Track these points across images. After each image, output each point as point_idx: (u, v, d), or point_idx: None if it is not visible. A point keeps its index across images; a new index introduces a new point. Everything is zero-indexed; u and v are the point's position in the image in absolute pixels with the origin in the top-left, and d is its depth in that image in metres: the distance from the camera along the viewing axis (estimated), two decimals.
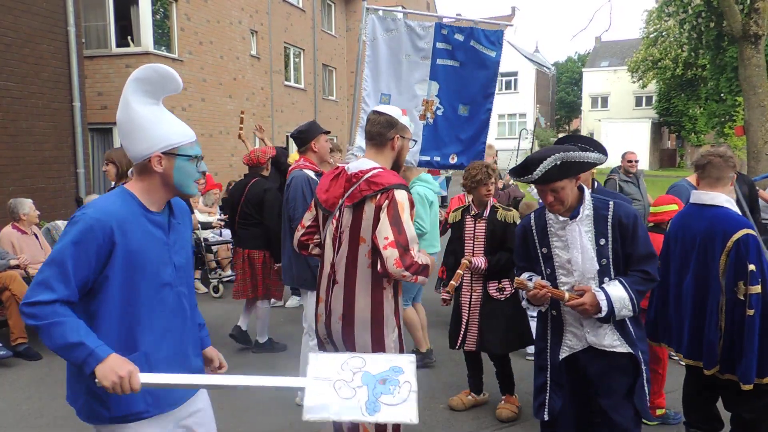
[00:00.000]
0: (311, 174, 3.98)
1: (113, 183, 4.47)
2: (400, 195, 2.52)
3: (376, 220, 2.50)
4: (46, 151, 8.59)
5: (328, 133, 4.22)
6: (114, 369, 1.73)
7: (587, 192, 2.65)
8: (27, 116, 8.26)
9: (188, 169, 1.98)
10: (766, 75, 10.70)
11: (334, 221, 2.65)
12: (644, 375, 2.65)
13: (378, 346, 2.58)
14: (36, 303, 1.74)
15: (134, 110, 1.92)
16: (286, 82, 19.31)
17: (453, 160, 4.75)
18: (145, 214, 1.93)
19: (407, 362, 1.96)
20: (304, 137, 4.10)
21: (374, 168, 2.63)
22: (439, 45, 4.61)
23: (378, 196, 2.52)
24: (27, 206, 5.90)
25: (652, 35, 32.31)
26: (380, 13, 4.66)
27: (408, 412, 1.84)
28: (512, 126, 41.04)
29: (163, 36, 12.63)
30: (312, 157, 4.11)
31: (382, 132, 2.69)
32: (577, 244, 2.59)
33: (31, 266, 5.58)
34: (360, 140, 4.55)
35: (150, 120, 1.92)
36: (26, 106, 8.25)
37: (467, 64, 4.68)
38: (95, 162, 11.69)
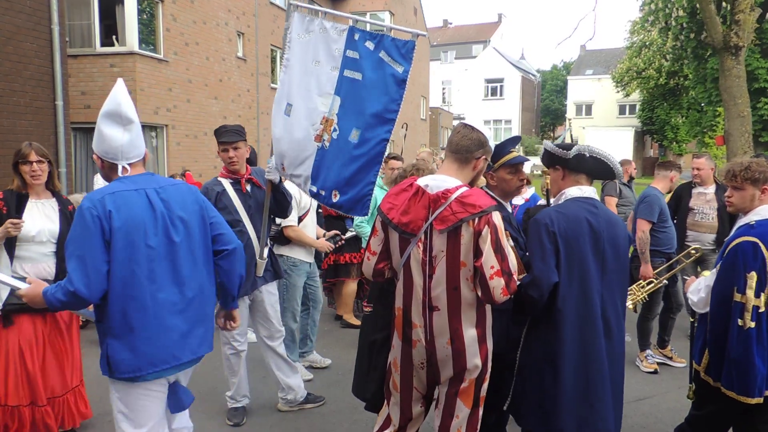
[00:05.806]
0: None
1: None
2: (498, 218, 2.44)
3: (476, 244, 2.41)
4: None
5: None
6: None
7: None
8: (9, 114, 8.16)
9: None
10: (745, 85, 10.92)
11: (420, 245, 2.50)
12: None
13: (486, 364, 2.58)
14: None
15: None
16: (273, 85, 19.25)
17: (335, 197, 3.74)
18: None
19: None
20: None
21: (460, 186, 2.49)
22: (349, 53, 3.76)
23: (477, 221, 2.40)
24: None
25: (636, 45, 32.76)
26: (300, 10, 3.83)
27: None
28: (497, 132, 41.38)
29: (148, 36, 12.54)
30: None
31: (471, 149, 2.55)
32: None
33: None
34: (273, 157, 3.88)
35: None
36: (8, 105, 8.14)
37: (370, 78, 3.72)
38: (77, 161, 11.58)
